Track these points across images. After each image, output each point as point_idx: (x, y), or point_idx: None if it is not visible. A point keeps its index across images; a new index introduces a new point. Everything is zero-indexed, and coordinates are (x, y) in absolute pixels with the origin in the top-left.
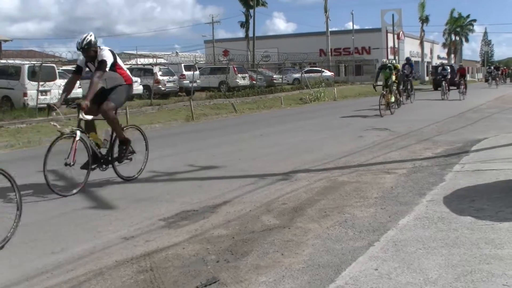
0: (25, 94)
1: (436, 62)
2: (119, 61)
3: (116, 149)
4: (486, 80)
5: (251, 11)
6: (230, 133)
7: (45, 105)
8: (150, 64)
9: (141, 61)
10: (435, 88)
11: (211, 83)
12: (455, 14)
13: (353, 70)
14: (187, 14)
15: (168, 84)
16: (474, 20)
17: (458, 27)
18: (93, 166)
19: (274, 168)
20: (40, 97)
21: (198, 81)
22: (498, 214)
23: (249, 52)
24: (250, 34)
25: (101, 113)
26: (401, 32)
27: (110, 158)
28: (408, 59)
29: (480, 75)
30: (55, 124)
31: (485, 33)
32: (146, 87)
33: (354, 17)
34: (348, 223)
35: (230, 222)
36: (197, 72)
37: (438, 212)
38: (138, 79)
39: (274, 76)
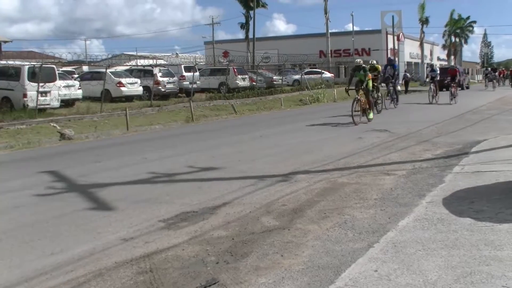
0: (25, 95)
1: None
2: None
3: None
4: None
5: (251, 12)
6: (229, 135)
7: (45, 106)
8: (150, 65)
9: (141, 62)
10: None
11: (211, 84)
12: (455, 16)
13: None
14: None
15: (168, 85)
16: (474, 22)
17: (458, 28)
18: None
19: (273, 170)
20: (40, 98)
21: (198, 82)
22: (498, 215)
23: (249, 54)
24: (250, 36)
25: None
26: (401, 34)
27: None
28: (390, 60)
29: (480, 77)
30: (54, 125)
31: (485, 35)
32: (146, 88)
33: (354, 18)
34: (348, 225)
35: (230, 224)
36: (197, 73)
37: (437, 214)
38: (138, 80)
39: (274, 77)
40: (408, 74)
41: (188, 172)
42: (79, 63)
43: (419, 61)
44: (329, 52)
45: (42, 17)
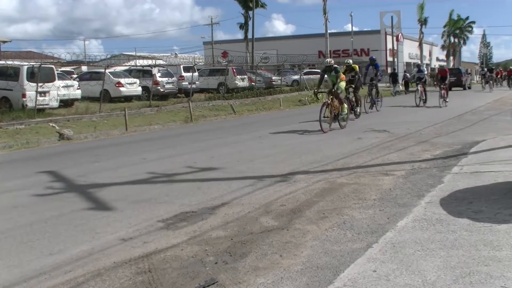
0: (24, 95)
1: (435, 64)
2: None
3: None
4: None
5: (250, 12)
6: (229, 135)
7: (44, 106)
8: (149, 66)
9: (140, 62)
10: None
11: (210, 84)
12: (454, 16)
13: None
14: (185, 16)
15: (167, 86)
16: (473, 22)
17: (457, 29)
18: None
19: (272, 170)
20: (39, 98)
21: (197, 82)
22: (497, 216)
23: (248, 54)
24: (249, 36)
25: None
26: (400, 34)
27: None
28: (372, 59)
29: (478, 77)
30: (53, 125)
31: (484, 35)
32: (145, 88)
33: (353, 19)
34: (347, 225)
35: (229, 224)
36: (196, 74)
37: (436, 214)
38: (137, 81)
39: (273, 77)
40: (408, 75)
41: (187, 173)
42: (78, 63)
43: (418, 61)
44: (328, 52)
45: (41, 17)
